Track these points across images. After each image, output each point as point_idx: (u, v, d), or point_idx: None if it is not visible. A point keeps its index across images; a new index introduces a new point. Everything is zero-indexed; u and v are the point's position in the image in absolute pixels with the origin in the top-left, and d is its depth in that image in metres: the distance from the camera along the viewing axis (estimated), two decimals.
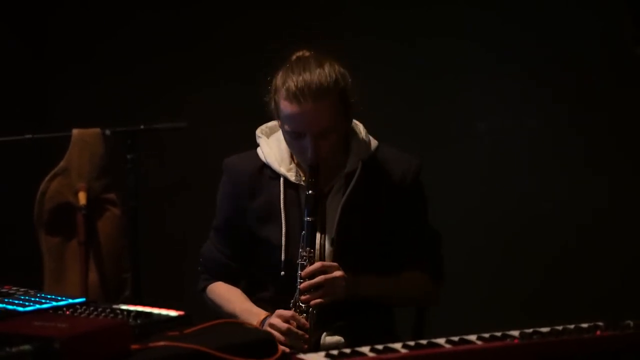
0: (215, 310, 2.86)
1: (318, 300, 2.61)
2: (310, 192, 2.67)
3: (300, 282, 2.63)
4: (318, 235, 2.73)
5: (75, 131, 2.96)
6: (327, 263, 2.67)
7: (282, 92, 2.63)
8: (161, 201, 4.52)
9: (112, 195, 2.92)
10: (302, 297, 2.62)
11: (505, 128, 4.13)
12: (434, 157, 3.87)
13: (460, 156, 4.16)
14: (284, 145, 2.78)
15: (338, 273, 2.64)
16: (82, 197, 2.84)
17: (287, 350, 2.55)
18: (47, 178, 2.91)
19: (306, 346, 2.59)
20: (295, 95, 2.59)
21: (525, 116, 4.09)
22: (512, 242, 4.07)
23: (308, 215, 2.67)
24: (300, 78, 2.61)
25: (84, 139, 2.94)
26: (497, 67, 4.09)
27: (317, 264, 2.64)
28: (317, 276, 2.63)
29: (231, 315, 2.77)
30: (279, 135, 2.80)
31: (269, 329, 2.63)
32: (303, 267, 2.64)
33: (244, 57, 4.35)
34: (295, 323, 2.61)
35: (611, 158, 3.90)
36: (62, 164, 2.93)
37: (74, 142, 2.94)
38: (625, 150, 3.89)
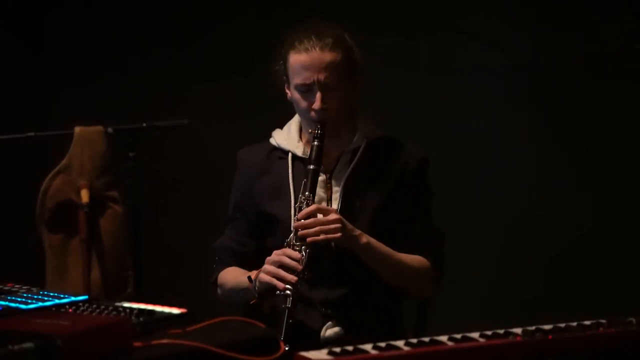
0: (225, 295, 2.90)
1: (313, 239, 2.65)
2: (315, 143, 2.75)
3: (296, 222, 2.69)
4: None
5: (77, 129, 2.95)
6: (323, 206, 2.74)
7: (292, 48, 2.78)
8: (163, 199, 4.51)
9: (114, 193, 2.92)
10: (299, 234, 2.67)
11: (506, 126, 4.13)
12: (433, 155, 3.87)
13: (459, 154, 4.15)
14: (294, 128, 2.90)
15: (334, 215, 2.68)
16: (84, 195, 2.84)
17: (282, 286, 2.61)
18: (49, 176, 2.90)
19: (296, 279, 2.62)
20: (304, 47, 2.75)
21: (526, 114, 4.09)
22: (514, 241, 4.07)
23: (311, 164, 2.74)
24: (308, 33, 2.77)
25: (86, 137, 2.93)
26: (497, 65, 4.09)
27: (313, 206, 2.70)
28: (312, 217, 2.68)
29: (236, 289, 2.81)
30: (290, 122, 2.92)
31: (265, 266, 2.67)
32: (301, 211, 2.70)
33: (246, 54, 4.34)
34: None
35: (613, 156, 3.91)
36: (64, 161, 2.92)
37: (76, 140, 2.94)
38: (626, 149, 3.89)
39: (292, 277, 2.62)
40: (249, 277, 2.73)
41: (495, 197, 4.11)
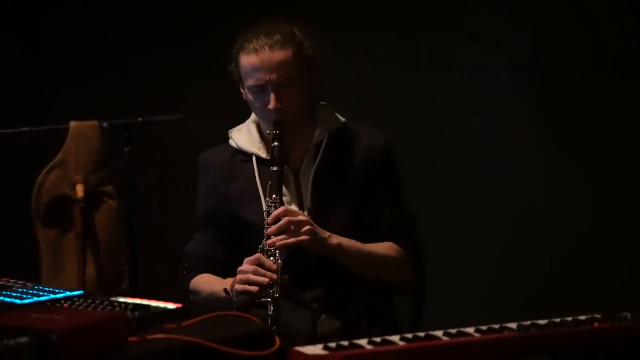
0: (201, 303, 2.87)
1: (283, 242, 2.63)
2: (275, 143, 2.73)
3: (267, 228, 2.67)
4: (296, 208, 2.77)
5: (72, 123, 2.95)
6: (292, 208, 2.72)
7: (242, 49, 2.75)
8: (158, 194, 4.51)
9: (109, 188, 2.91)
10: (269, 241, 2.65)
11: (506, 126, 4.12)
12: (433, 155, 3.87)
13: (459, 154, 4.15)
14: (253, 128, 2.88)
15: (302, 218, 2.67)
16: (79, 190, 2.84)
17: (255, 289, 2.60)
18: (44, 171, 2.89)
19: (267, 280, 2.60)
20: (253, 47, 2.72)
21: (526, 114, 4.08)
22: (514, 241, 4.06)
23: (274, 165, 2.72)
24: (257, 33, 2.75)
25: (81, 132, 2.93)
26: (497, 65, 4.08)
27: (281, 208, 2.68)
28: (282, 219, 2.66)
29: (212, 297, 2.80)
30: (248, 122, 2.90)
31: (238, 275, 2.66)
32: (270, 215, 2.69)
33: None
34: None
35: (613, 156, 3.90)
36: (59, 156, 2.92)
37: (71, 134, 2.93)
38: (626, 149, 3.88)
39: (263, 279, 2.61)
40: (225, 290, 2.72)
41: (495, 197, 4.10)
